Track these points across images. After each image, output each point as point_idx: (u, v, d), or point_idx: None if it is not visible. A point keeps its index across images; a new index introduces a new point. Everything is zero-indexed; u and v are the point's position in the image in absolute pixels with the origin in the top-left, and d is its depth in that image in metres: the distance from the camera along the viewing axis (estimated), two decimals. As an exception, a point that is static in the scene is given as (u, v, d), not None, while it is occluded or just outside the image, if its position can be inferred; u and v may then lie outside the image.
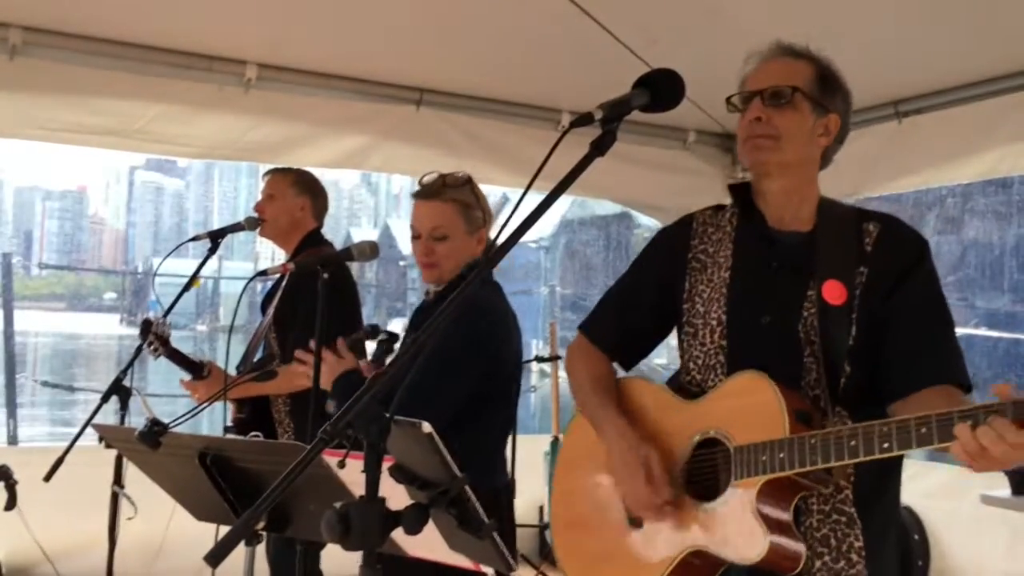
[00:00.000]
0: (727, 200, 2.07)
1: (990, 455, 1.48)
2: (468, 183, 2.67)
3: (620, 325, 2.13)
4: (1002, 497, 3.77)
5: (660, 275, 2.07)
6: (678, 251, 2.04)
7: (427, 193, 2.65)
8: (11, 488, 3.19)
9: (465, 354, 2.48)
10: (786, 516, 1.76)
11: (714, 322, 1.93)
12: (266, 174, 3.65)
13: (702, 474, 1.86)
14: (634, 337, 2.13)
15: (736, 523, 1.76)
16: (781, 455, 1.70)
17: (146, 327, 3.25)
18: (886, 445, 1.58)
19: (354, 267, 3.46)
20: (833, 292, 1.82)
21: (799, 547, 1.75)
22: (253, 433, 3.41)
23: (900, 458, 1.89)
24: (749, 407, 1.78)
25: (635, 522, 1.93)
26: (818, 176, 1.96)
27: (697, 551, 1.81)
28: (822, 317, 1.82)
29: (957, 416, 1.51)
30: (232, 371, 3.28)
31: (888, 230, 1.89)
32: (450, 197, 2.62)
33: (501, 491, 2.69)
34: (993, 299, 27.04)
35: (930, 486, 4.51)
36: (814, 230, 1.91)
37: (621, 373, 2.14)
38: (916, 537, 4.47)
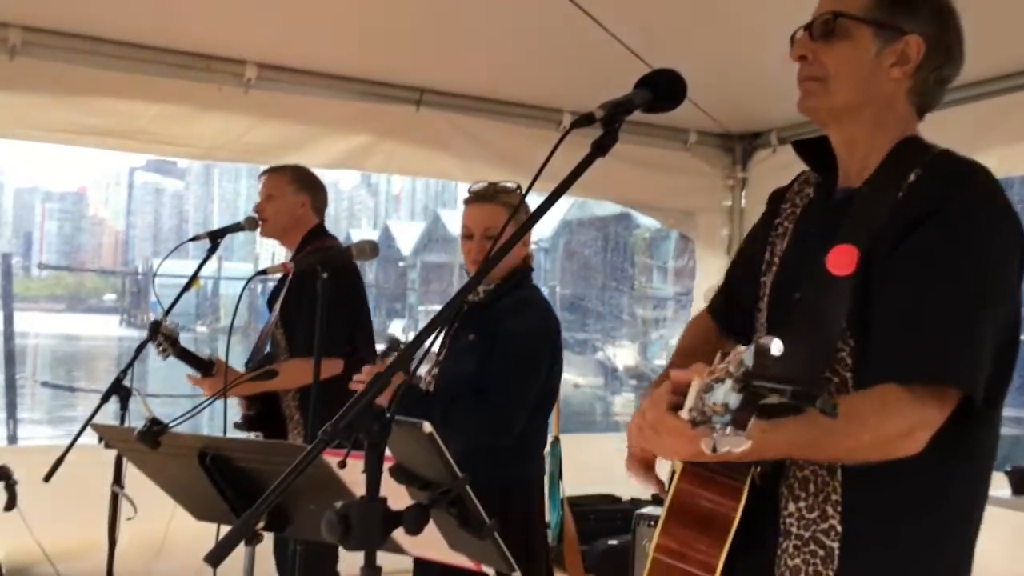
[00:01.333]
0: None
1: (634, 422, 1.30)
2: (517, 189, 2.89)
3: (728, 295, 1.89)
4: (1002, 497, 3.77)
5: (754, 243, 1.82)
6: (771, 216, 1.79)
7: (480, 197, 2.89)
8: (11, 488, 3.18)
9: (539, 349, 2.80)
10: (726, 513, 1.51)
11: (765, 298, 1.71)
12: (263, 174, 3.66)
13: None
14: (739, 310, 1.81)
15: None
16: None
17: (155, 328, 3.26)
18: None
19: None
20: (840, 260, 1.48)
21: (714, 552, 1.50)
22: (254, 433, 3.42)
23: (933, 501, 1.51)
24: None
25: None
26: (913, 116, 1.63)
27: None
28: (816, 289, 1.51)
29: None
30: (241, 370, 3.30)
31: (927, 173, 1.50)
32: (501, 201, 2.84)
33: (539, 483, 2.94)
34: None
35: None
36: (864, 185, 1.57)
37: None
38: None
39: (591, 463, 4.81)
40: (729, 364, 1.04)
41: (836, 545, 1.50)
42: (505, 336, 2.73)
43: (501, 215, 2.79)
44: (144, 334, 3.28)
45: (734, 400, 1.02)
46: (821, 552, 1.51)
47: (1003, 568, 4.18)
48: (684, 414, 1.12)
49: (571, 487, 4.70)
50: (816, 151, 1.70)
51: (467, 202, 2.93)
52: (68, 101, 3.91)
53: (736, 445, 1.02)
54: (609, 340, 33.72)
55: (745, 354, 1.02)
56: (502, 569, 1.69)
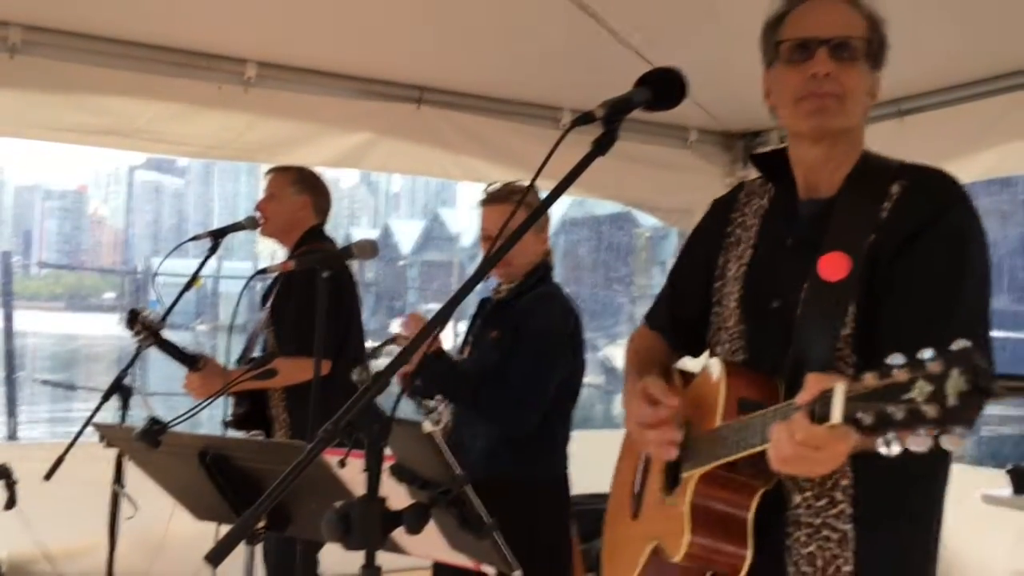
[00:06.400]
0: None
1: (782, 454, 1.34)
2: (531, 188, 2.83)
3: (672, 308, 1.98)
4: (1003, 496, 3.77)
5: (704, 249, 1.89)
6: (719, 224, 1.87)
7: (494, 198, 2.99)
8: (11, 488, 3.18)
9: (558, 344, 2.87)
10: (742, 514, 1.59)
11: (733, 304, 1.77)
12: (268, 173, 3.67)
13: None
14: (686, 318, 1.92)
15: (674, 518, 1.65)
16: (706, 447, 1.60)
17: (133, 316, 3.22)
18: (757, 438, 1.46)
19: (353, 266, 3.46)
20: (831, 266, 1.58)
21: (740, 551, 1.59)
22: (254, 432, 3.41)
23: (932, 469, 1.68)
24: (704, 396, 1.67)
25: (635, 512, 1.90)
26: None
27: (657, 546, 1.73)
28: (811, 295, 1.60)
29: (776, 412, 1.39)
30: (233, 367, 3.28)
31: (912, 187, 1.62)
32: (515, 200, 2.88)
33: (564, 480, 3.06)
34: (998, 299, 26.93)
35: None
36: (836, 196, 1.67)
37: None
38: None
39: (591, 461, 4.79)
40: (916, 369, 1.10)
41: (850, 527, 1.59)
42: (526, 331, 2.81)
43: (517, 214, 2.85)
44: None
45: (952, 399, 1.06)
46: (835, 536, 1.59)
47: (1004, 567, 4.18)
48: (851, 420, 1.19)
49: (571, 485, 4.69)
50: (769, 163, 1.81)
51: (482, 203, 3.02)
52: (68, 100, 3.90)
53: (951, 443, 1.09)
54: (609, 339, 33.74)
55: (937, 359, 1.08)
56: (502, 569, 1.69)
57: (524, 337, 2.81)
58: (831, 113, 1.63)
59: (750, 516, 1.59)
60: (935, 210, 1.58)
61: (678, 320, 1.96)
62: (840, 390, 1.21)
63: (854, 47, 1.64)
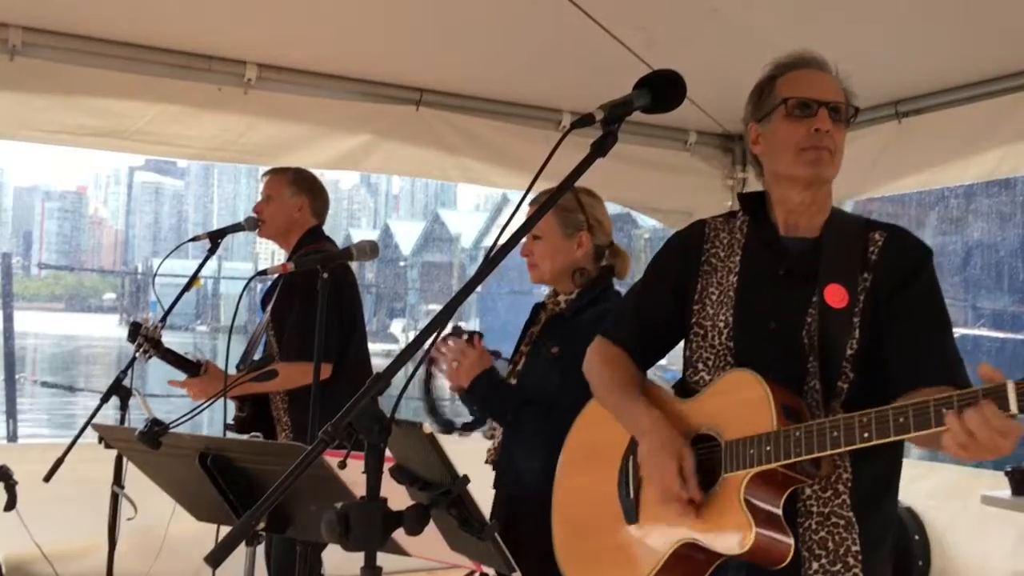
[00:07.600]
0: (727, 201, 2.11)
1: (978, 442, 1.50)
2: (531, 187, 2.72)
3: (638, 325, 2.14)
4: (1002, 498, 3.77)
5: (675, 277, 2.09)
6: (691, 254, 2.07)
7: (530, 203, 2.77)
8: (11, 489, 3.18)
9: None
10: (776, 509, 1.78)
11: (721, 324, 1.97)
12: (264, 175, 3.66)
13: (699, 469, 1.88)
14: (652, 337, 2.14)
15: (725, 515, 1.79)
16: (767, 448, 1.75)
17: (135, 329, 3.23)
18: (866, 435, 1.64)
19: (353, 267, 3.46)
20: (835, 295, 1.86)
21: (788, 539, 1.77)
22: (253, 433, 3.41)
23: (898, 463, 1.96)
24: (740, 403, 1.83)
25: (631, 518, 1.97)
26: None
27: (688, 543, 1.85)
28: (823, 319, 1.86)
29: (932, 404, 1.56)
30: (233, 370, 3.27)
31: (893, 239, 1.93)
32: (540, 201, 2.61)
33: None
34: (997, 300, 26.93)
35: (932, 487, 4.50)
36: (820, 237, 1.95)
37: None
38: (916, 537, 4.47)
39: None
40: None
41: (852, 514, 1.84)
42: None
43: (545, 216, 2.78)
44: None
45: None
46: (842, 522, 1.84)
47: (1003, 568, 4.18)
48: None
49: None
50: (748, 202, 2.08)
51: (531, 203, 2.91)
52: (68, 101, 3.90)
53: None
54: (609, 340, 33.61)
55: None
56: (502, 570, 1.69)
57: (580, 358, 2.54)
58: (826, 163, 1.91)
59: (780, 509, 1.78)
60: (918, 261, 1.91)
61: (645, 338, 2.14)
62: (1012, 385, 1.47)
63: (842, 111, 1.93)
